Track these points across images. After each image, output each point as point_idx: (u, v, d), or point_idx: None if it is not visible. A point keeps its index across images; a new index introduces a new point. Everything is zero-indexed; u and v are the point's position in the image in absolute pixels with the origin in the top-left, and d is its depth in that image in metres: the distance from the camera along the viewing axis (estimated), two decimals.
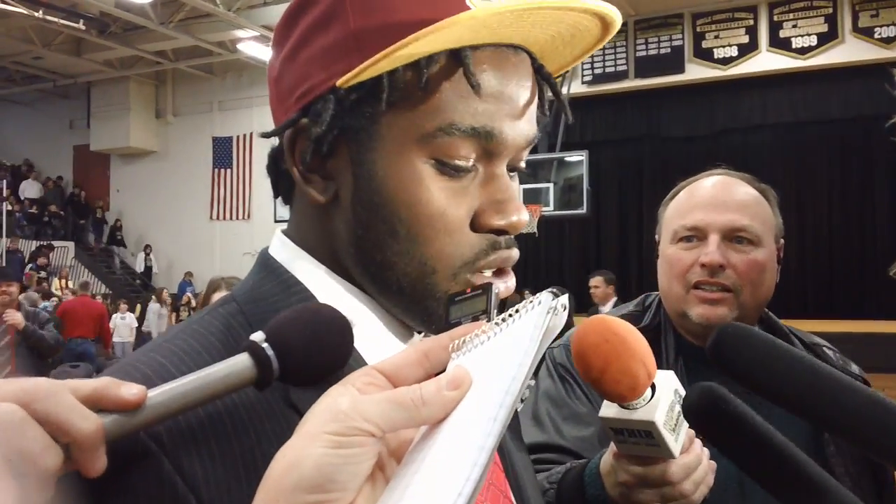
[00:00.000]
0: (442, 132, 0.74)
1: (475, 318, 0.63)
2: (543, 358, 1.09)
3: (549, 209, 12.94)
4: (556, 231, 17.76)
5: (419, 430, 0.57)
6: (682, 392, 1.01)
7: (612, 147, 18.04)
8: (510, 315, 0.60)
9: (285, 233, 0.87)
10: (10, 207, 21.09)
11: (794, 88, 15.92)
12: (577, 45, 0.83)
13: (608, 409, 1.02)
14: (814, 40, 15.37)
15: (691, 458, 1.06)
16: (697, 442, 1.08)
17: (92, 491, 0.61)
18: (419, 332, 0.85)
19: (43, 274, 17.62)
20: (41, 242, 21.10)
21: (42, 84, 22.88)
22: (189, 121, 22.40)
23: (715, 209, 1.54)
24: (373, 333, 0.81)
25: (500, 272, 0.81)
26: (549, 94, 0.85)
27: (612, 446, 1.10)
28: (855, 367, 1.62)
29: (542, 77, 0.82)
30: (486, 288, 0.68)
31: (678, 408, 1.00)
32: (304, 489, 0.51)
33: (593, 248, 18.43)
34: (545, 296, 0.60)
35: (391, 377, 0.58)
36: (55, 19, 16.18)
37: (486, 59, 0.75)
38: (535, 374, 1.42)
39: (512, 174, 0.82)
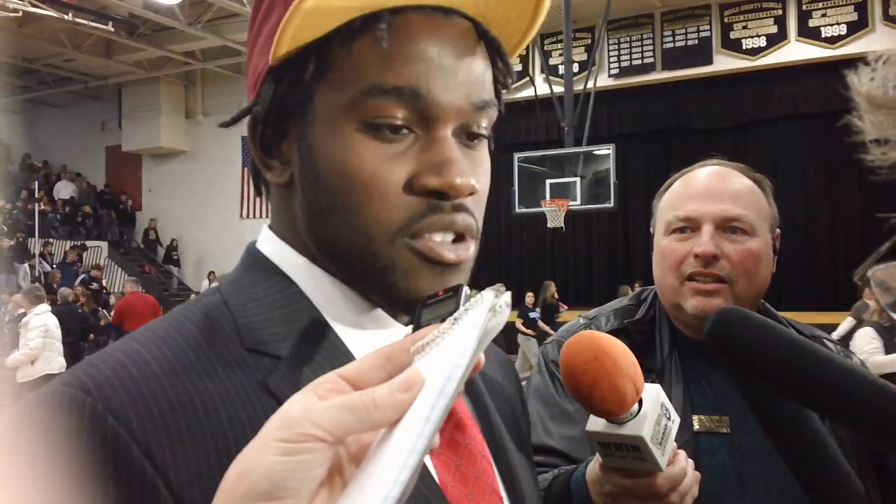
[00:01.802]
0: (365, 94, 0.75)
1: (444, 321, 0.62)
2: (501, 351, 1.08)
3: (576, 203, 12.84)
4: (584, 226, 17.66)
5: (379, 432, 0.57)
6: (669, 405, 1.03)
7: (640, 140, 17.90)
8: (462, 314, 0.60)
9: (269, 226, 0.88)
10: (43, 208, 21.32)
11: (825, 78, 15.68)
12: (523, 8, 0.82)
13: (595, 424, 1.03)
14: (843, 29, 15.17)
15: (677, 470, 1.06)
16: (682, 453, 1.09)
17: (62, 475, 0.62)
18: (389, 315, 0.84)
19: (95, 286, 17.31)
20: (74, 242, 21.33)
21: (74, 86, 23.12)
22: (218, 120, 21.76)
23: (708, 199, 1.52)
24: (349, 318, 0.82)
25: (457, 239, 0.79)
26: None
27: (596, 457, 1.10)
28: (857, 359, 1.60)
29: (486, 42, 0.81)
30: (457, 290, 0.67)
31: (665, 421, 1.01)
32: (254, 497, 0.52)
33: (621, 242, 18.32)
34: (487, 294, 0.60)
35: (354, 382, 0.58)
36: (85, 21, 16.32)
37: (412, 21, 0.76)
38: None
39: (472, 142, 0.81)
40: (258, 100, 0.81)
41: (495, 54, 0.83)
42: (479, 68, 0.80)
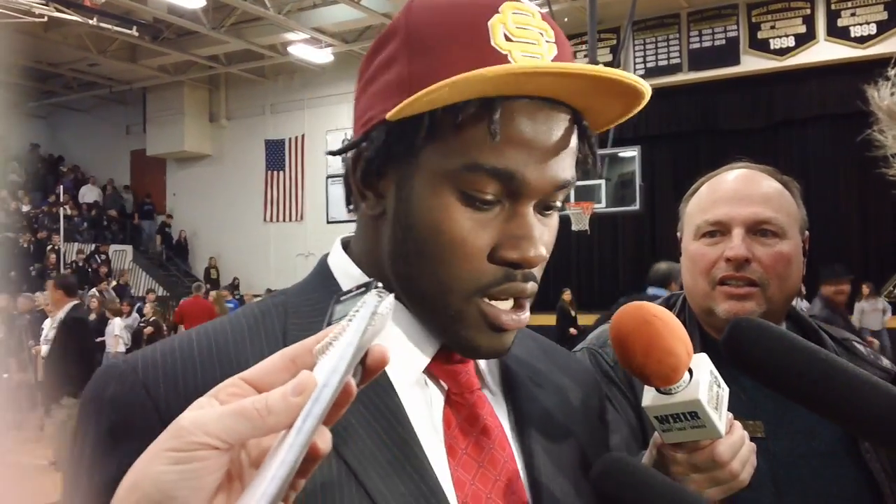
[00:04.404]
0: (466, 169, 0.82)
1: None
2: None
3: (601, 206, 12.79)
4: (609, 228, 17.60)
5: (279, 435, 0.57)
6: (717, 373, 1.04)
7: (667, 142, 17.81)
8: (353, 315, 0.62)
9: (344, 239, 0.99)
10: (69, 212, 21.50)
11: (854, 78, 15.46)
12: (624, 106, 0.87)
13: (650, 398, 1.03)
14: (873, 29, 15.08)
15: (736, 437, 1.05)
16: (737, 423, 1.07)
17: (104, 429, 0.77)
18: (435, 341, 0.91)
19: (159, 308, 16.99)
20: (98, 245, 21.49)
21: (99, 90, 23.39)
22: (242, 124, 22.67)
23: (738, 203, 1.53)
24: (397, 336, 0.90)
25: (515, 306, 0.88)
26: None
27: (653, 442, 1.09)
28: (886, 362, 1.59)
29: (579, 132, 0.87)
30: (368, 285, 0.67)
31: (716, 388, 1.03)
32: None
33: (648, 245, 18.20)
34: (370, 297, 0.63)
35: (257, 385, 0.60)
36: (109, 26, 16.46)
37: (520, 108, 0.82)
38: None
39: (547, 213, 0.89)
40: (367, 142, 0.88)
41: (585, 139, 0.89)
42: (570, 154, 0.87)
